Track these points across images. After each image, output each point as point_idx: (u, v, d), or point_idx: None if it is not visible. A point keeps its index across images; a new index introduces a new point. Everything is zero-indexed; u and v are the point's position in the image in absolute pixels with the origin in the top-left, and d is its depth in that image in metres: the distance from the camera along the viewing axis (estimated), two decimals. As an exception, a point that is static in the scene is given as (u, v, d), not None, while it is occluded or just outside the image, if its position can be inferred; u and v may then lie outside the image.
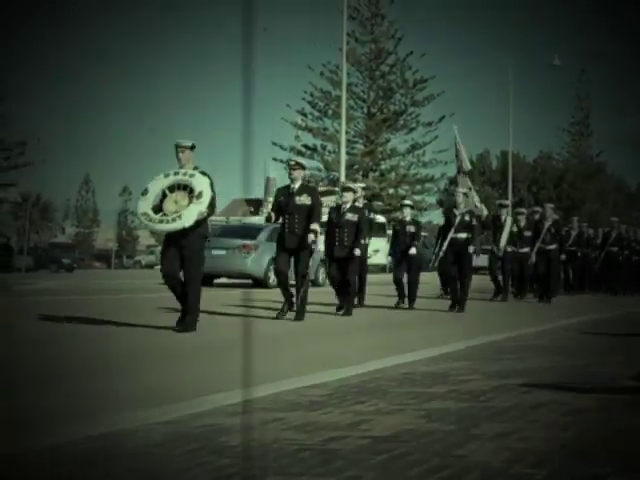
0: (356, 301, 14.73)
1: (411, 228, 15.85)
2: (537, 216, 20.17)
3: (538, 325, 11.66)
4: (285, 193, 12.25)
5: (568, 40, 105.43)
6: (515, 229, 19.47)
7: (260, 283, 22.53)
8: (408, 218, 16.15)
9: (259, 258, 22.55)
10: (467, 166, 20.31)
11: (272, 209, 12.43)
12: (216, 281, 23.80)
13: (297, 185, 12.16)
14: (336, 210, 13.99)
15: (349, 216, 13.67)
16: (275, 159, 53.77)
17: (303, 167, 12.39)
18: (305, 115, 55.02)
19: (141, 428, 4.38)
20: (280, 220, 12.29)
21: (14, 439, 4.12)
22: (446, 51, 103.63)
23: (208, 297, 12.29)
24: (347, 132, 44.00)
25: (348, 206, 13.82)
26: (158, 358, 7.73)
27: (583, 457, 3.96)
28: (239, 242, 22.46)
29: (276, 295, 14.17)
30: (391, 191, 55.67)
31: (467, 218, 15.29)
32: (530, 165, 72.42)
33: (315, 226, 11.88)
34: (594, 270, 23.97)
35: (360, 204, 15.01)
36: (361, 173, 55.87)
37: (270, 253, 19.16)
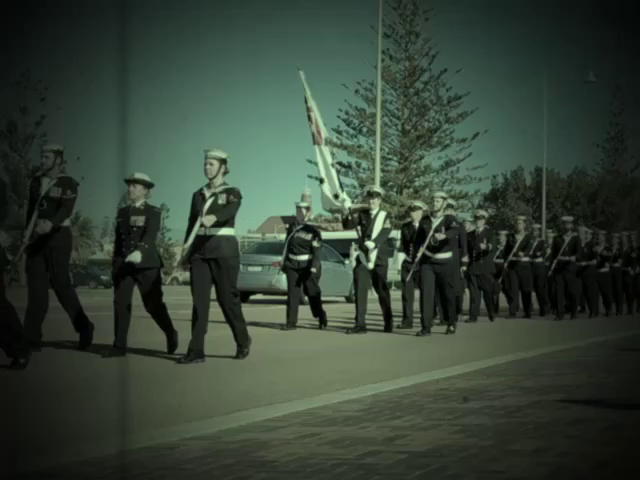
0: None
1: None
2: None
3: (571, 342, 11.58)
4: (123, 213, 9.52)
5: (602, 55, 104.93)
6: (389, 226, 13.63)
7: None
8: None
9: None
10: (325, 132, 13.81)
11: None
12: (252, 297, 23.91)
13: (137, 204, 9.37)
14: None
15: None
16: (310, 176, 53.90)
17: (147, 185, 9.42)
18: (340, 133, 55.09)
19: (179, 443, 4.40)
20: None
21: (55, 452, 4.16)
22: (480, 68, 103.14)
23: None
24: (381, 149, 44.01)
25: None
26: (194, 374, 7.76)
27: (621, 473, 3.94)
28: (273, 259, 22.45)
29: (309, 312, 14.19)
30: (425, 207, 55.55)
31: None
32: (564, 181, 72.04)
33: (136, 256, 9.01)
34: (543, 284, 19.35)
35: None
36: (395, 190, 55.85)
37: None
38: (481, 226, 17.02)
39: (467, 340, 12.71)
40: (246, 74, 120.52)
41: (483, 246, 16.98)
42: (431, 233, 12.91)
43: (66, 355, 9.18)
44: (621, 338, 12.77)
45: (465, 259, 16.37)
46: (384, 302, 13.41)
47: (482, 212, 18.71)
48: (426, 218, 13.55)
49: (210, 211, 8.77)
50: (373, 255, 12.88)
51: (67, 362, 8.31)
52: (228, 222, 8.93)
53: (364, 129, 54.67)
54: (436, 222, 13.13)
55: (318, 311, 14.15)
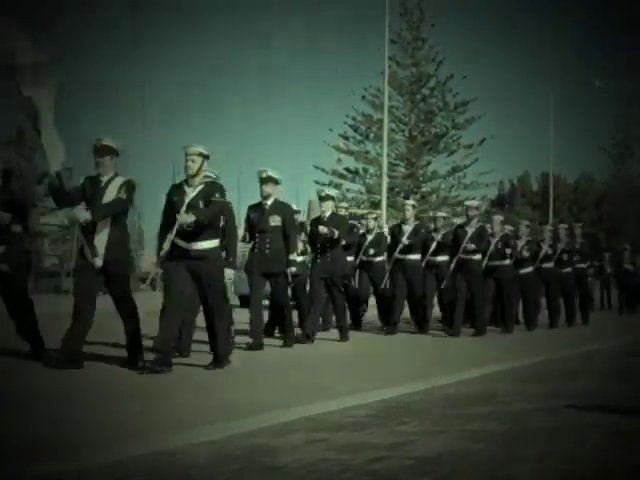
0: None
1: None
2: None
3: (576, 348, 11.55)
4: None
5: (609, 60, 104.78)
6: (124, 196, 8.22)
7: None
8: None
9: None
10: None
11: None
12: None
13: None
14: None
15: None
16: (317, 182, 53.87)
17: None
18: (347, 138, 54.97)
19: (185, 448, 4.40)
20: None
21: (62, 458, 4.16)
22: (486, 73, 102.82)
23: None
24: (388, 155, 43.96)
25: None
26: (202, 378, 7.75)
27: (629, 478, 3.94)
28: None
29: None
30: (431, 213, 55.54)
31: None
32: (571, 186, 72.02)
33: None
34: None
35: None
36: (402, 196, 55.79)
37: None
38: (328, 210, 12.12)
39: (475, 345, 12.68)
40: (250, 82, 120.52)
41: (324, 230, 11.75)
42: (183, 209, 7.86)
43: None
44: (625, 345, 12.73)
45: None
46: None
47: (328, 191, 12.85)
48: (179, 187, 8.16)
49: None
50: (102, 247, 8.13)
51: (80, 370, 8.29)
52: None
53: (371, 135, 54.59)
54: (191, 193, 7.98)
55: (30, 336, 8.74)
